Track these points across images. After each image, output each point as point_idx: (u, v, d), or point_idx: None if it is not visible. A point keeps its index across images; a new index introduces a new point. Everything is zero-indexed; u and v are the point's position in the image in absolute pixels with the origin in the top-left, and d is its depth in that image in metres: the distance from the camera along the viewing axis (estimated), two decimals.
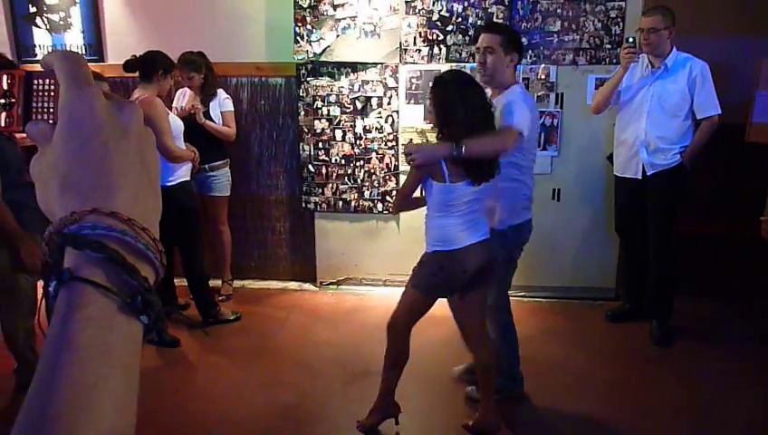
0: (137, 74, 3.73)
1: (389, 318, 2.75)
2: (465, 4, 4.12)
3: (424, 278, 2.66)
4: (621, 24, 4.03)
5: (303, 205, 4.56)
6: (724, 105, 3.63)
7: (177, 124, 3.83)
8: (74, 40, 4.57)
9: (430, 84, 2.74)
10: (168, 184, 3.76)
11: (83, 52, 4.54)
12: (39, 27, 4.58)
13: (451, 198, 2.56)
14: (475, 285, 2.69)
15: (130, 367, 0.43)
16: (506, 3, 4.09)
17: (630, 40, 3.64)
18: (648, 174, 3.70)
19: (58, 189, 0.46)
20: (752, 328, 3.95)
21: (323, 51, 4.25)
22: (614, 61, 3.99)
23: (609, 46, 4.08)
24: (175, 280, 4.22)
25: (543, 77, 4.17)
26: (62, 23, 4.56)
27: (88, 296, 0.42)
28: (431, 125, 4.23)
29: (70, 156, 0.46)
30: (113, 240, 0.44)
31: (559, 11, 4.08)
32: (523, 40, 4.09)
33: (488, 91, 2.85)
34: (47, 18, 4.56)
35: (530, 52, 4.13)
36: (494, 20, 4.09)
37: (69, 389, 0.39)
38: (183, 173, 3.83)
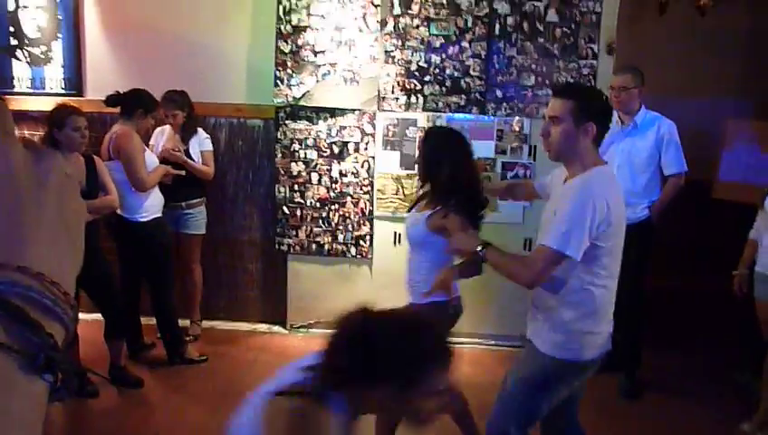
0: (116, 109, 3.75)
1: None
2: (443, 55, 4.23)
3: None
4: (593, 81, 4.16)
5: (277, 246, 4.54)
6: (693, 163, 3.74)
7: (152, 161, 3.82)
8: (54, 74, 4.56)
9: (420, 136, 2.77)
10: (141, 219, 3.74)
11: (62, 86, 4.55)
12: (19, 60, 4.57)
13: None
14: None
15: (31, 427, 0.41)
16: (483, 57, 4.20)
17: None
18: None
19: None
20: (719, 382, 3.98)
21: (303, 95, 4.30)
22: None
23: None
24: (141, 318, 4.15)
25: (517, 129, 4.27)
26: (42, 56, 4.55)
27: None
28: (407, 172, 4.29)
29: None
30: (17, 296, 0.42)
31: (533, 66, 4.20)
32: (498, 93, 4.23)
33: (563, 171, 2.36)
34: (28, 51, 4.56)
35: (504, 104, 4.23)
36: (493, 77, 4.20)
37: None
38: (155, 209, 3.81)
